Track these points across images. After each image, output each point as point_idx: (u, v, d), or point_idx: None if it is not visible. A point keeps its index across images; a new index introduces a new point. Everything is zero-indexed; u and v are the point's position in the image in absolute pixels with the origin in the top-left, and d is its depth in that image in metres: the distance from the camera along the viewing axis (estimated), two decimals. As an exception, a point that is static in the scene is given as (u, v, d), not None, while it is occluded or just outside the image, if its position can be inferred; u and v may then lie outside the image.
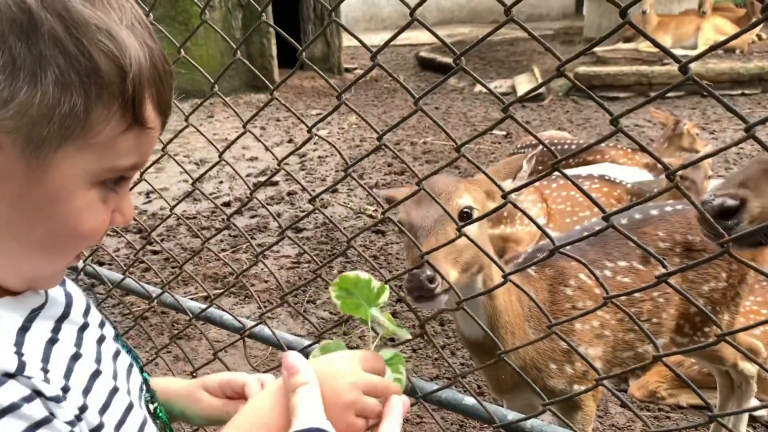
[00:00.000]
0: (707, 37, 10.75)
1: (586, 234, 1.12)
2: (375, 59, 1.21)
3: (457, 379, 1.38)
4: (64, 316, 0.89)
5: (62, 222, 0.78)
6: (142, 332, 4.03)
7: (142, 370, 1.05)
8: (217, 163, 1.72)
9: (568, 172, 5.98)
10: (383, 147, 1.32)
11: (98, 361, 0.90)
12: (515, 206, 1.19)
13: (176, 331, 4.18)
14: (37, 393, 0.72)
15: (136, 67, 0.76)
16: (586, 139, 7.55)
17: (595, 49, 12.41)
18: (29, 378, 0.72)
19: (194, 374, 1.93)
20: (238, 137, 1.56)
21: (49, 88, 0.70)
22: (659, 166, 4.48)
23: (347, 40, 13.49)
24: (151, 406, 1.02)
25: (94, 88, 0.73)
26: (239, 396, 1.12)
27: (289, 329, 4.08)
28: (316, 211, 1.44)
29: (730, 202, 1.18)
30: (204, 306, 1.83)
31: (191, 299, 4.55)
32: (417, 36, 16.14)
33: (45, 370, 0.76)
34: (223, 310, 1.81)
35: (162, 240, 5.59)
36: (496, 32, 1.13)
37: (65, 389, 0.77)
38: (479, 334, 1.86)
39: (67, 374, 0.81)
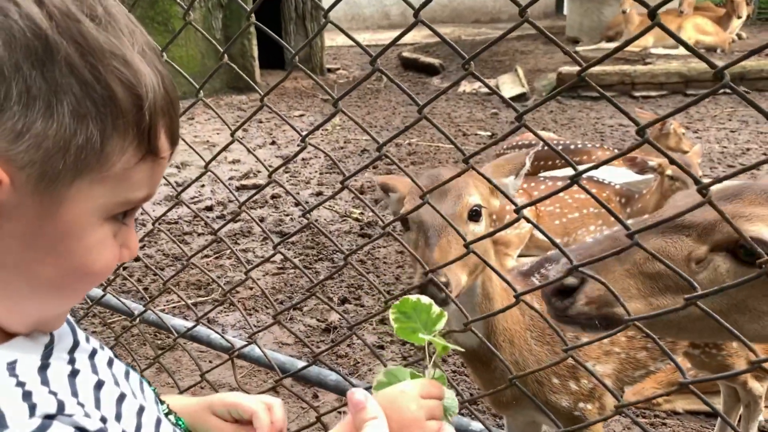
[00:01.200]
0: (689, 36, 10.79)
1: (607, 253, 1.04)
2: (375, 64, 1.12)
3: (464, 405, 1.29)
4: (75, 345, 0.87)
5: (75, 259, 0.74)
6: (123, 343, 3.90)
7: (149, 384, 1.02)
8: (202, 174, 1.62)
9: (555, 172, 5.95)
10: (379, 155, 1.23)
11: (117, 384, 0.88)
12: (528, 221, 1.11)
13: (159, 341, 4.07)
14: (81, 430, 0.71)
15: (152, 95, 0.72)
16: (572, 139, 7.53)
17: (578, 48, 12.44)
18: (70, 416, 0.70)
19: (180, 394, 1.82)
20: (226, 147, 1.46)
21: (65, 119, 0.67)
22: (642, 163, 4.43)
23: (329, 41, 13.39)
24: (171, 417, 1.03)
25: (111, 117, 0.69)
26: (248, 421, 1.11)
27: (276, 338, 3.97)
28: (302, 215, 1.34)
29: (570, 281, 1.13)
30: (190, 324, 1.72)
31: (175, 307, 4.45)
32: (399, 36, 16.07)
33: (81, 404, 0.74)
34: (210, 328, 1.70)
35: (143, 246, 5.45)
36: (478, 32, 1.05)
37: (104, 420, 0.76)
38: (474, 341, 1.74)
39: (98, 404, 0.79)
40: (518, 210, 1.09)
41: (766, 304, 1.12)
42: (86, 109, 0.67)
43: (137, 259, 5.22)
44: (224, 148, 1.47)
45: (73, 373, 0.80)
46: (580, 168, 1.01)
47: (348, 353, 3.79)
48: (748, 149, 7.40)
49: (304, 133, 1.31)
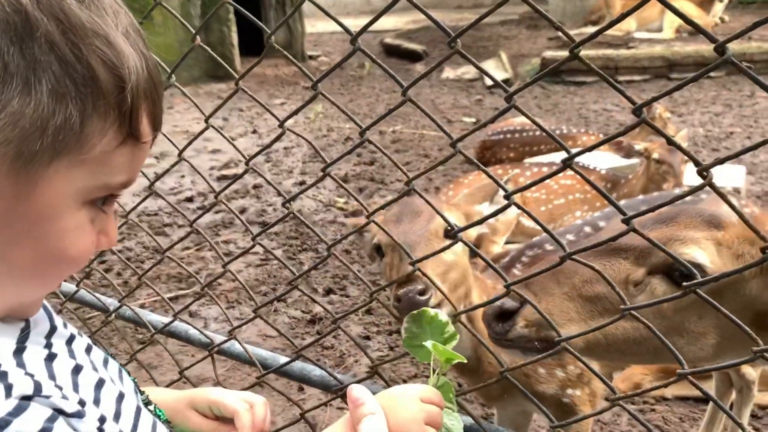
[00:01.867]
0: (672, 19, 10.80)
1: (603, 239, 0.99)
2: (356, 42, 1.06)
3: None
4: (52, 330, 0.85)
5: (50, 243, 0.73)
6: (101, 337, 3.82)
7: (129, 374, 1.01)
8: (176, 163, 1.54)
9: (540, 158, 5.92)
10: (362, 140, 1.17)
11: (95, 369, 0.86)
12: (519, 207, 1.06)
13: (140, 335, 3.99)
14: (59, 411, 0.71)
15: (134, 77, 0.70)
16: (556, 124, 7.49)
17: (559, 33, 12.41)
18: (48, 397, 0.70)
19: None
20: (200, 133, 1.39)
21: (44, 98, 0.65)
22: (628, 147, 4.41)
23: (309, 27, 13.24)
24: (151, 407, 1.02)
25: (91, 98, 0.68)
26: (229, 419, 1.11)
27: (260, 330, 3.90)
28: (286, 206, 1.28)
29: (509, 304, 1.14)
30: (167, 320, 1.65)
31: (156, 301, 4.37)
32: (381, 22, 15.88)
33: (59, 387, 0.73)
34: (188, 323, 1.64)
35: (122, 239, 5.35)
36: (461, 17, 1.00)
37: (82, 403, 0.75)
38: (464, 349, 1.73)
39: (75, 388, 0.78)
40: (508, 196, 1.03)
41: (702, 326, 1.13)
42: (66, 89, 0.66)
43: (114, 253, 5.13)
44: (198, 135, 1.40)
45: (50, 357, 0.79)
46: (573, 151, 0.95)
47: (333, 344, 3.74)
48: (732, 133, 7.41)
49: (288, 119, 1.25)
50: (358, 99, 9.94)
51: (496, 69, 10.69)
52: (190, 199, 6.06)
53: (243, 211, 5.73)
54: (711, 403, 2.68)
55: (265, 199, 5.99)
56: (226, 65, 1.34)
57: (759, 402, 2.86)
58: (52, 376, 0.76)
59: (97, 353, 0.92)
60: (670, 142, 0.89)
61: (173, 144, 1.51)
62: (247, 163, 1.32)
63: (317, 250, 4.96)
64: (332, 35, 16.00)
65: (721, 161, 0.86)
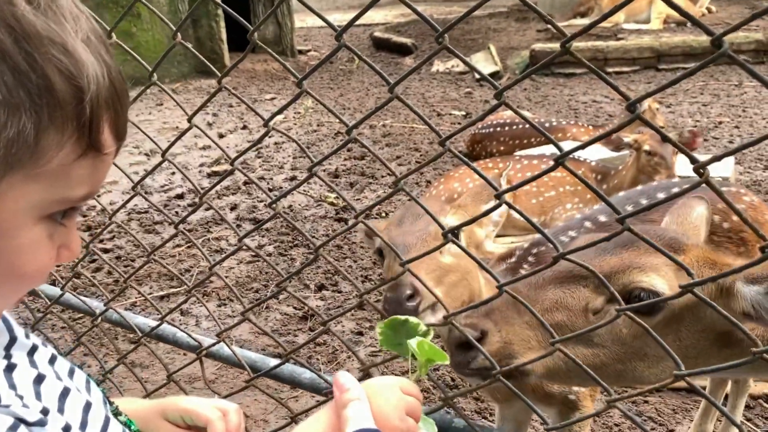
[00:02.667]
0: (660, 10, 10.79)
1: (596, 240, 0.96)
2: (341, 39, 1.03)
3: (448, 402, 1.22)
4: (12, 341, 0.83)
5: (5, 260, 0.70)
6: (93, 338, 3.78)
7: (98, 384, 0.99)
8: (160, 164, 1.51)
9: (530, 151, 5.90)
10: (349, 138, 1.14)
11: (59, 379, 0.85)
12: (510, 207, 1.03)
13: (132, 335, 3.95)
14: (20, 420, 0.69)
15: (94, 86, 0.67)
16: (546, 116, 7.48)
17: (550, 25, 12.38)
18: (7, 407, 0.69)
19: (148, 397, 1.73)
20: (183, 133, 1.36)
21: None
22: (617, 140, 4.39)
23: (299, 22, 13.16)
24: (122, 418, 1.01)
25: (47, 109, 0.65)
26: (202, 429, 1.09)
27: (252, 328, 3.88)
28: (272, 207, 1.26)
29: (470, 333, 1.13)
30: (154, 323, 1.62)
31: (145, 300, 4.32)
32: (370, 15, 15.85)
33: (19, 396, 0.72)
34: (175, 326, 1.61)
35: (113, 237, 5.31)
36: (450, 11, 0.98)
37: (45, 412, 0.74)
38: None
39: (38, 397, 0.77)
40: (499, 195, 1.01)
41: (662, 350, 1.09)
42: (19, 100, 0.63)
43: (107, 251, 5.09)
44: (180, 136, 1.37)
45: (9, 368, 0.77)
46: (565, 149, 0.93)
47: (326, 341, 3.72)
48: (720, 122, 7.42)
49: (273, 118, 1.22)
50: (348, 93, 9.89)
51: (486, 62, 10.66)
52: (180, 196, 6.01)
53: (234, 207, 5.69)
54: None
55: (256, 196, 5.95)
56: (209, 63, 1.31)
57: (751, 392, 2.86)
58: (12, 386, 0.74)
59: (62, 363, 0.91)
60: (666, 138, 0.87)
61: (155, 144, 1.48)
62: (231, 164, 1.29)
63: (309, 246, 4.93)
64: (321, 30, 15.91)
65: (718, 158, 0.84)
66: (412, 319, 1.06)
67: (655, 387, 1.02)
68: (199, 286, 4.37)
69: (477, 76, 10.51)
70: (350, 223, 1.19)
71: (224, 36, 11.12)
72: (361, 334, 3.79)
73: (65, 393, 0.81)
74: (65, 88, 0.65)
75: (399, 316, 1.07)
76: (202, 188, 6.29)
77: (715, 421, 2.71)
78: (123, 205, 1.78)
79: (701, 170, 0.83)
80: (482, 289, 1.75)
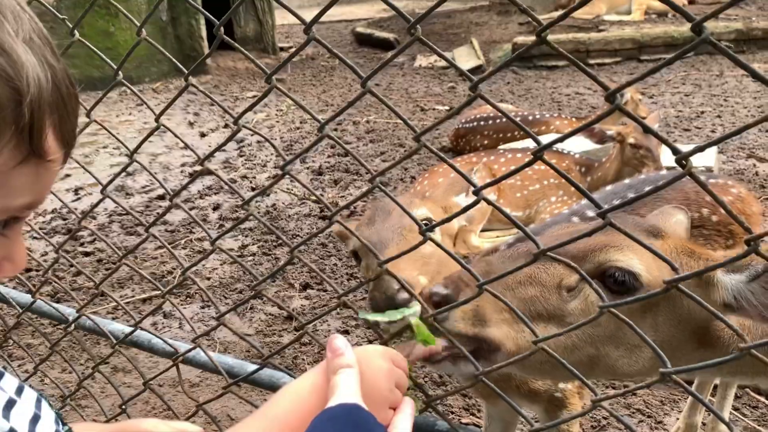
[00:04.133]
0: (640, 1, 10.82)
1: (577, 236, 0.93)
2: (309, 31, 0.99)
3: (431, 404, 1.18)
4: None
5: None
6: (74, 344, 3.71)
7: (51, 405, 0.94)
8: (128, 165, 1.46)
9: (514, 144, 5.88)
10: (322, 135, 1.10)
11: (3, 391, 0.81)
12: (489, 203, 1.00)
13: (111, 346, 3.88)
14: None
15: (35, 89, 0.63)
16: (529, 109, 7.47)
17: (527, 15, 12.39)
18: None
19: (123, 407, 1.68)
20: (150, 133, 1.31)
21: None
22: (601, 133, 4.38)
23: (281, 18, 13.05)
24: None
25: None
26: None
27: (236, 329, 3.82)
28: (258, 199, 1.21)
29: (440, 290, 1.12)
30: (129, 329, 1.57)
31: (129, 302, 4.26)
32: (352, 11, 15.79)
33: None
34: (151, 332, 1.56)
35: (93, 240, 5.22)
36: (433, 4, 0.93)
37: None
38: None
39: None
40: (477, 191, 0.97)
41: (638, 338, 1.06)
42: None
43: (88, 254, 5.00)
44: (148, 136, 1.32)
45: None
46: (543, 142, 0.90)
47: (311, 340, 3.67)
48: (702, 112, 7.45)
49: (243, 115, 1.17)
50: (331, 90, 9.83)
51: (468, 56, 10.64)
52: (162, 197, 5.93)
53: (217, 207, 5.62)
54: (694, 388, 2.67)
55: (238, 196, 5.88)
56: (174, 60, 1.26)
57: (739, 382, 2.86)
58: None
59: (10, 381, 0.88)
60: (647, 129, 0.83)
61: (121, 143, 1.43)
62: (201, 164, 1.24)
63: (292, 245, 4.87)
64: (302, 26, 15.79)
65: (701, 148, 0.81)
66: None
67: (641, 386, 0.99)
68: (174, 289, 4.33)
69: (490, 71, 10.50)
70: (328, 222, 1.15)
71: (204, 33, 11.01)
72: (347, 332, 3.75)
73: (10, 404, 0.79)
74: (2, 90, 0.61)
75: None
76: (184, 189, 6.23)
77: (703, 412, 2.70)
78: (91, 210, 1.73)
79: (684, 161, 0.80)
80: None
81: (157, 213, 5.58)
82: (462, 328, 1.11)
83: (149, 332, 1.56)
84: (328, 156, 6.78)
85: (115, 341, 1.60)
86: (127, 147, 1.40)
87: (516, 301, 1.10)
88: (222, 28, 1.14)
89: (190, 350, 1.48)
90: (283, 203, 5.64)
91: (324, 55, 12.07)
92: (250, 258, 4.69)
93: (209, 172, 1.27)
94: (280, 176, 1.17)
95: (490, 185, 0.98)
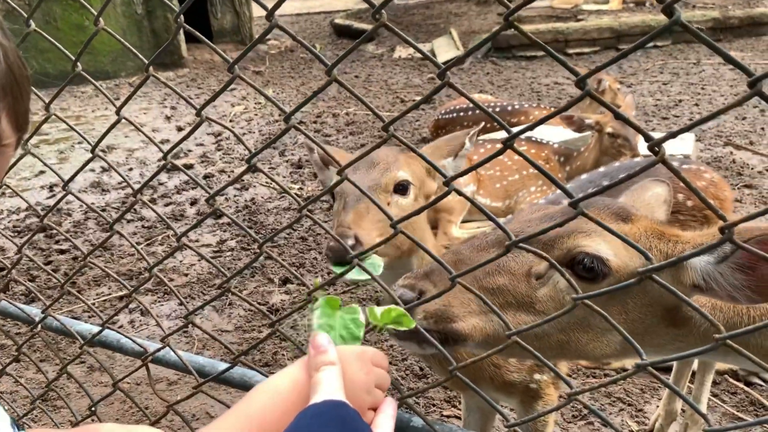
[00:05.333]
0: (618, -9, 10.84)
1: (549, 225, 0.91)
2: (272, 18, 0.95)
3: (403, 401, 1.15)
4: None
5: None
6: (44, 346, 3.64)
7: (5, 410, 0.93)
8: (90, 160, 1.42)
9: (494, 135, 5.87)
10: (288, 126, 1.06)
11: None
12: (459, 193, 0.97)
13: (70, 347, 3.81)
14: None
15: None
16: (509, 100, 7.46)
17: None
18: None
19: (92, 408, 1.64)
20: (112, 126, 1.27)
21: None
22: (579, 122, 4.38)
23: (259, 10, 12.91)
24: None
25: None
26: None
27: (215, 325, 3.78)
28: (237, 194, 1.17)
29: (408, 295, 1.11)
30: (96, 329, 1.53)
31: (105, 301, 4.18)
32: (331, 2, 15.67)
33: None
34: (119, 332, 1.52)
35: (69, 236, 5.12)
36: None
37: None
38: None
39: None
40: (447, 182, 0.94)
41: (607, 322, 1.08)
42: None
43: (63, 252, 4.91)
44: (110, 129, 1.28)
45: None
46: (514, 130, 0.87)
47: (291, 335, 3.63)
48: (680, 101, 7.49)
49: (206, 107, 1.13)
50: (310, 82, 9.75)
51: (448, 47, 10.60)
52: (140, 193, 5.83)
53: (194, 202, 5.54)
54: (672, 376, 2.68)
55: (216, 189, 5.81)
56: (140, 56, 1.21)
57: (717, 368, 2.87)
58: None
59: None
60: (618, 116, 0.81)
61: (83, 137, 1.38)
62: (165, 158, 1.20)
63: (274, 240, 4.82)
64: (281, 18, 15.59)
65: (672, 135, 0.79)
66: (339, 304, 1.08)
67: (617, 379, 0.97)
68: (152, 286, 4.26)
69: (439, 61, 10.41)
70: (297, 216, 1.12)
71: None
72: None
73: None
74: None
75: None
76: (161, 184, 6.11)
77: (683, 402, 2.70)
78: (54, 206, 1.68)
79: (656, 148, 0.77)
80: (427, 239, 1.80)
81: (134, 209, 5.49)
82: (426, 325, 1.09)
83: (118, 332, 1.51)
84: (308, 148, 6.72)
85: (82, 342, 1.55)
86: (89, 142, 1.35)
87: (484, 292, 1.08)
88: (182, 17, 1.09)
89: (159, 350, 1.44)
90: (262, 197, 5.58)
91: (301, 46, 11.96)
92: (229, 253, 4.63)
93: (174, 167, 1.22)
94: (246, 169, 1.14)
95: (460, 176, 0.95)
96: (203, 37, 1.12)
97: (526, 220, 1.19)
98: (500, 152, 0.90)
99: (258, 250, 1.20)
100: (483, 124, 6.16)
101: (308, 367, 0.96)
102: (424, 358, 1.81)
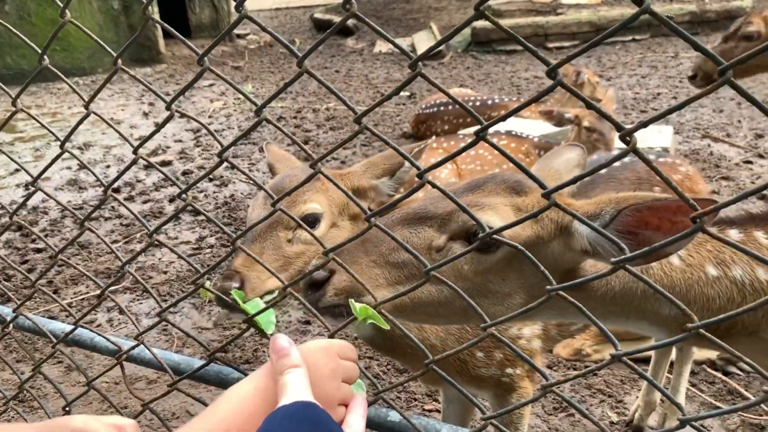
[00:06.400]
0: (597, -15, 10.89)
1: (523, 217, 0.90)
2: (241, 9, 0.93)
3: (380, 396, 1.15)
4: None
5: None
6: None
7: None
8: (59, 155, 1.39)
9: (471, 129, 5.87)
10: (260, 119, 1.05)
11: None
12: (433, 185, 0.96)
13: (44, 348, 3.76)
14: None
15: None
16: (489, 94, 7.48)
17: (490, 2, 12.42)
18: None
19: (67, 408, 1.61)
20: (81, 121, 1.24)
21: None
22: (559, 116, 4.40)
23: (237, 5, 12.82)
24: None
25: None
26: None
27: (194, 323, 3.75)
28: (216, 190, 1.15)
29: (319, 275, 1.17)
30: (69, 328, 1.50)
31: (84, 299, 4.13)
32: (310, -3, 15.58)
33: None
34: (93, 331, 1.49)
35: (45, 235, 5.06)
36: None
37: None
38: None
39: None
40: (420, 175, 0.93)
41: (507, 287, 1.16)
42: None
43: (40, 251, 4.84)
44: (78, 124, 1.25)
45: None
46: (485, 122, 0.86)
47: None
48: (659, 94, 7.55)
49: (175, 100, 1.11)
50: (290, 77, 9.67)
51: (428, 41, 10.60)
52: (116, 190, 5.77)
53: (173, 199, 5.49)
54: (651, 366, 2.70)
55: (196, 187, 5.75)
56: (108, 49, 1.19)
57: (695, 358, 2.90)
58: None
59: None
60: (590, 106, 0.80)
61: (52, 132, 1.35)
62: (135, 152, 1.18)
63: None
64: (260, 13, 15.57)
65: (644, 124, 0.79)
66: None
67: (593, 369, 0.97)
68: (130, 284, 4.20)
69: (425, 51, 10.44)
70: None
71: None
72: (308, 323, 3.70)
73: None
74: None
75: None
76: (139, 181, 6.04)
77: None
78: (22, 204, 1.65)
79: (627, 138, 0.77)
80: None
81: (112, 206, 5.42)
82: (337, 301, 1.15)
83: (91, 330, 1.49)
84: (288, 144, 6.69)
85: (54, 341, 1.52)
86: (58, 137, 1.32)
87: (390, 266, 1.17)
88: (152, 9, 1.07)
89: (133, 348, 1.42)
90: (241, 193, 5.54)
91: (280, 41, 11.88)
92: (208, 250, 4.59)
93: (149, 164, 1.20)
94: (218, 163, 1.12)
95: (433, 168, 0.94)
96: (173, 30, 1.10)
97: (431, 197, 1.26)
98: (473, 143, 0.89)
99: (231, 245, 1.19)
100: (432, 140, 6.18)
101: (273, 372, 0.96)
102: (395, 356, 1.79)
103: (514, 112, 0.82)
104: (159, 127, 1.13)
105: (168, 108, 1.09)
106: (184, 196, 1.17)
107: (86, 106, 1.18)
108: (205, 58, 1.02)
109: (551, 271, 1.08)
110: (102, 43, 1.17)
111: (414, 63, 0.88)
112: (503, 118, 0.84)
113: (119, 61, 1.10)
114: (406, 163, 1.71)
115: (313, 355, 0.99)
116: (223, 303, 1.44)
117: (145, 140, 1.17)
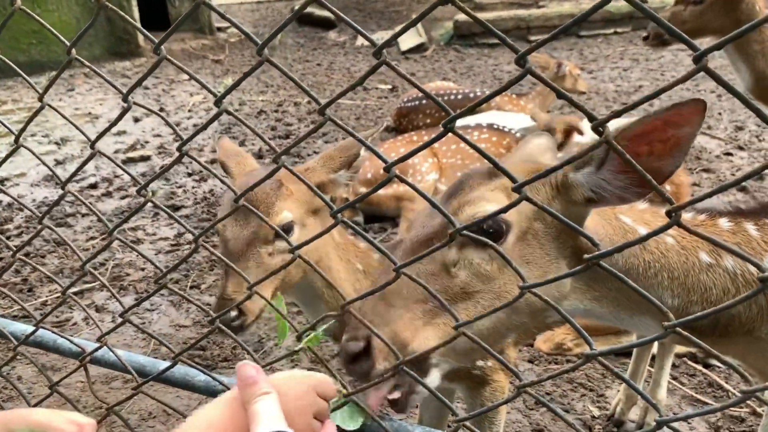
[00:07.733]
0: (579, -22, 10.89)
1: (513, 201, 0.87)
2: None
3: (350, 399, 1.11)
4: None
5: None
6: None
7: None
8: (15, 150, 1.33)
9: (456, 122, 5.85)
10: (220, 111, 1.00)
11: None
12: (401, 179, 0.92)
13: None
14: None
15: None
16: (471, 87, 7.45)
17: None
18: None
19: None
20: (36, 113, 1.18)
21: None
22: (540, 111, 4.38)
23: (218, -1, 12.69)
24: None
25: None
26: None
27: (172, 321, 3.69)
28: (195, 185, 1.11)
29: (354, 346, 1.08)
30: (30, 330, 1.45)
31: (57, 298, 4.05)
32: (292, -10, 15.43)
33: None
34: (55, 332, 1.44)
35: (21, 233, 4.96)
36: None
37: None
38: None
39: None
40: (388, 168, 0.89)
41: (536, 268, 1.11)
42: None
43: (9, 249, 4.74)
44: (33, 116, 1.19)
45: None
46: (482, 119, 0.82)
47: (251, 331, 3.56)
48: (640, 86, 7.57)
49: (132, 91, 1.06)
50: (271, 70, 9.60)
51: (411, 34, 10.54)
52: (93, 186, 5.67)
53: (153, 194, 5.40)
54: (632, 360, 2.69)
55: (174, 181, 5.68)
56: (63, 39, 1.13)
57: (676, 351, 2.89)
58: None
59: None
60: (561, 95, 0.77)
61: (7, 127, 1.30)
62: (92, 146, 1.12)
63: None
64: (242, 6, 15.42)
65: (617, 114, 0.75)
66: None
67: (575, 366, 0.94)
68: (74, 284, 4.13)
69: (402, 48, 10.42)
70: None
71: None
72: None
73: None
74: None
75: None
76: (117, 176, 5.94)
77: (642, 383, 2.72)
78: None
79: (600, 128, 0.74)
80: (340, 273, 1.74)
81: (90, 203, 5.32)
82: (388, 365, 1.07)
83: (53, 332, 1.43)
84: (269, 138, 6.61)
85: (16, 342, 1.47)
86: (12, 131, 1.26)
87: (417, 303, 1.09)
88: (104, -6, 1.02)
89: (96, 350, 1.37)
90: (221, 189, 5.46)
91: (263, 35, 11.79)
92: (187, 246, 4.52)
93: (92, 157, 1.15)
94: (179, 157, 1.07)
95: (401, 161, 0.90)
96: (132, 20, 1.05)
97: (417, 221, 1.21)
98: (441, 135, 0.85)
99: (194, 243, 1.14)
100: (412, 133, 6.16)
101: (243, 401, 0.92)
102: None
103: (482, 102, 0.78)
104: (115, 120, 1.08)
105: (125, 100, 1.04)
106: (144, 192, 1.12)
107: (41, 99, 1.13)
108: (162, 47, 0.97)
109: (561, 241, 1.09)
110: (56, 33, 1.11)
111: (378, 51, 0.85)
112: (470, 109, 0.80)
113: (74, 50, 1.04)
114: (362, 153, 1.70)
115: (285, 386, 0.96)
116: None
117: (101, 134, 1.12)
